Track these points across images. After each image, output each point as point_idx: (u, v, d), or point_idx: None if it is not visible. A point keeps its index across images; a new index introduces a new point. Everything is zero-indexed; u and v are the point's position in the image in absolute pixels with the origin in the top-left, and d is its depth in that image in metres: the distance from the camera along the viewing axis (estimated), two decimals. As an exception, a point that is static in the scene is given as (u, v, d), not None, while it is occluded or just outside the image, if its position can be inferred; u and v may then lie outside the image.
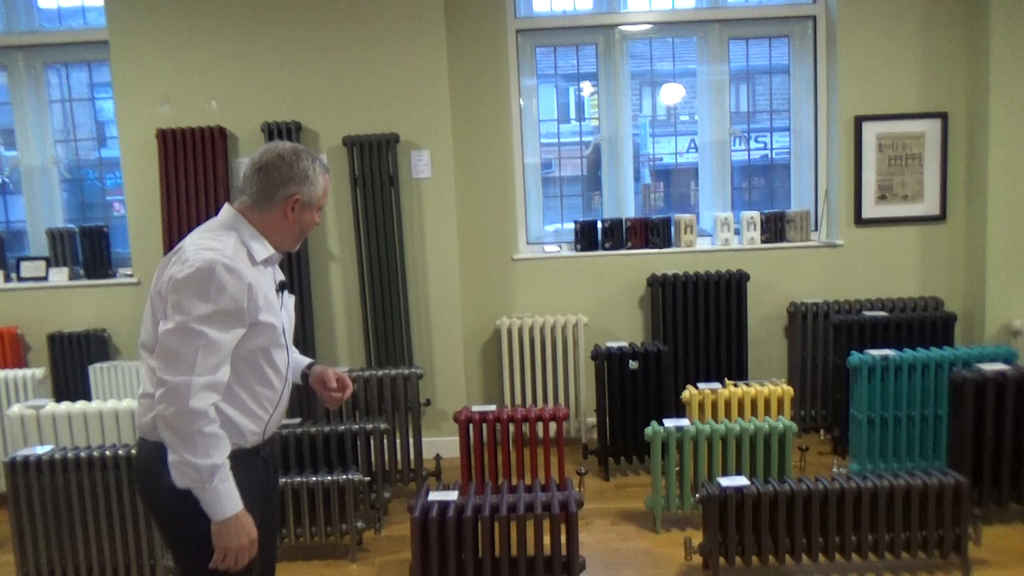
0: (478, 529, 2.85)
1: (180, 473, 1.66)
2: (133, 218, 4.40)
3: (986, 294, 4.43)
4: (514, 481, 3.69)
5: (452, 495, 2.94)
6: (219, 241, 1.76)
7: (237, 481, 1.73)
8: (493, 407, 3.65)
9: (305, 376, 2.10)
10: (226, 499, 1.69)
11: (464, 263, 4.56)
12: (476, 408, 3.66)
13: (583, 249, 4.70)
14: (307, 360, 2.13)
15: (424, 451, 4.30)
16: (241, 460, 1.79)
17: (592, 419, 4.60)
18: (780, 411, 3.73)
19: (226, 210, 1.86)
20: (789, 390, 3.74)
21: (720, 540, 2.93)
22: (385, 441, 3.82)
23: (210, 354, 1.68)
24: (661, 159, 5.23)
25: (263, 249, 1.84)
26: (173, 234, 4.25)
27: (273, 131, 4.16)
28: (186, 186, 4.26)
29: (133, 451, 3.01)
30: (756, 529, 2.93)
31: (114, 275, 4.61)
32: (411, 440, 3.95)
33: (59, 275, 4.55)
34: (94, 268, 4.56)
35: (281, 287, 1.91)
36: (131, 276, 4.51)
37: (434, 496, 2.95)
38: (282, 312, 1.89)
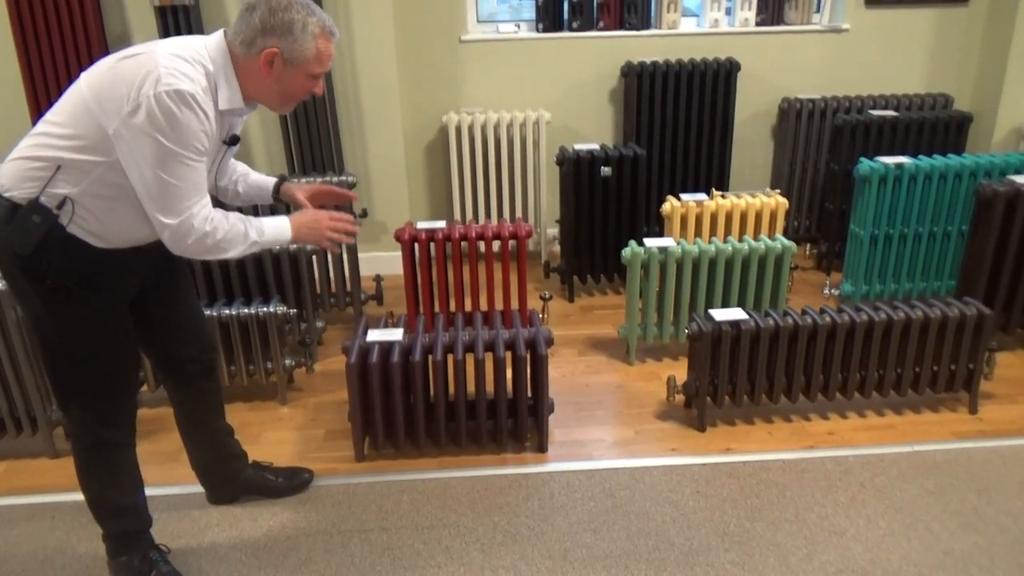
0: (429, 376, 2.38)
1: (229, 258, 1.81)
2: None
3: (1002, 92, 3.89)
4: (468, 309, 3.20)
5: (395, 334, 2.44)
6: (195, 69, 1.63)
7: (106, 278, 1.75)
8: (442, 224, 3.06)
9: (279, 199, 2.08)
10: (277, 235, 1.84)
11: (401, 46, 3.74)
12: (422, 225, 3.07)
13: (545, 30, 3.90)
14: (272, 180, 2.08)
15: (364, 268, 3.76)
16: (111, 256, 1.73)
17: (554, 231, 4.08)
18: (772, 227, 3.26)
19: (217, 38, 1.71)
20: (783, 202, 3.24)
21: (709, 380, 2.55)
22: (315, 262, 3.24)
23: (189, 182, 1.64)
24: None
25: (229, 98, 1.71)
26: (21, 3, 3.28)
27: None
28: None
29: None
30: (752, 367, 2.54)
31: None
32: (345, 259, 3.37)
33: None
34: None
35: (231, 141, 1.83)
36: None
37: (374, 335, 2.44)
38: (214, 167, 1.85)
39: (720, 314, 2.52)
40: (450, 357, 2.41)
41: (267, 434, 2.66)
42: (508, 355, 2.39)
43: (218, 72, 1.69)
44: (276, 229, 1.83)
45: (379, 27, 3.54)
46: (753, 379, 2.56)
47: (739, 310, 2.54)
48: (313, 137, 3.63)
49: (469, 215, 3.97)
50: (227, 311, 2.70)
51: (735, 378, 2.55)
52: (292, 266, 3.00)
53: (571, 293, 3.65)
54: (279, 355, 2.78)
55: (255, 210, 3.27)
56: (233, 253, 1.76)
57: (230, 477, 2.28)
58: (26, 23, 3.33)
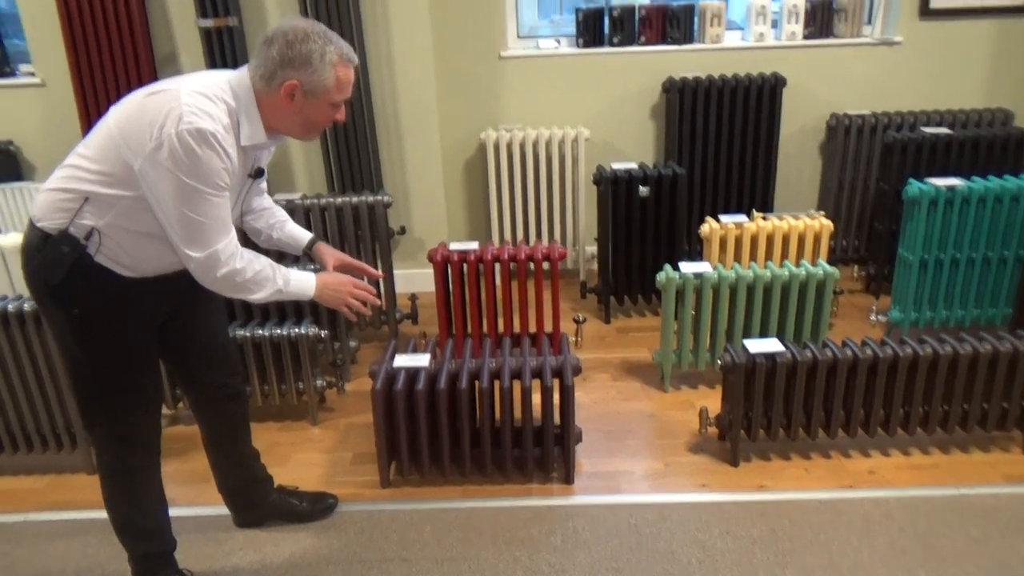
0: (456, 402, 2.36)
1: (251, 300, 1.81)
2: (24, 2, 3.50)
3: (1068, 106, 3.70)
4: (501, 330, 3.17)
5: (422, 359, 2.42)
6: (216, 107, 1.64)
7: (132, 306, 1.78)
8: (475, 245, 3.05)
9: (309, 256, 2.14)
10: (301, 289, 1.86)
11: (440, 63, 3.74)
12: (455, 246, 3.05)
13: (586, 45, 3.86)
14: (307, 235, 2.13)
15: (401, 285, 3.77)
16: (137, 285, 1.76)
17: (593, 249, 4.02)
18: (816, 250, 3.15)
19: (241, 73, 1.73)
20: (828, 225, 3.13)
21: (743, 412, 2.47)
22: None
23: (212, 218, 1.65)
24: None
25: (252, 134, 1.72)
26: (74, 20, 3.39)
27: None
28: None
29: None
30: (788, 401, 2.45)
31: (13, 73, 3.79)
32: (381, 278, 3.38)
33: (-54, 74, 3.72)
34: (-12, 65, 3.73)
35: (256, 174, 1.87)
36: (34, 76, 3.69)
37: (401, 360, 2.43)
38: (239, 200, 1.87)
39: (755, 345, 2.43)
40: (476, 384, 2.39)
41: (296, 456, 2.68)
42: (535, 382, 2.35)
43: (240, 108, 1.71)
44: (301, 283, 1.86)
45: (418, 44, 3.54)
46: (789, 413, 2.47)
47: (775, 341, 2.45)
48: (352, 154, 3.66)
49: (507, 232, 3.94)
50: (260, 331, 2.73)
51: (770, 412, 2.46)
52: (326, 286, 3.02)
53: (607, 314, 3.59)
54: (310, 376, 2.80)
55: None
56: (259, 295, 1.79)
57: (256, 501, 2.30)
58: (79, 45, 3.43)
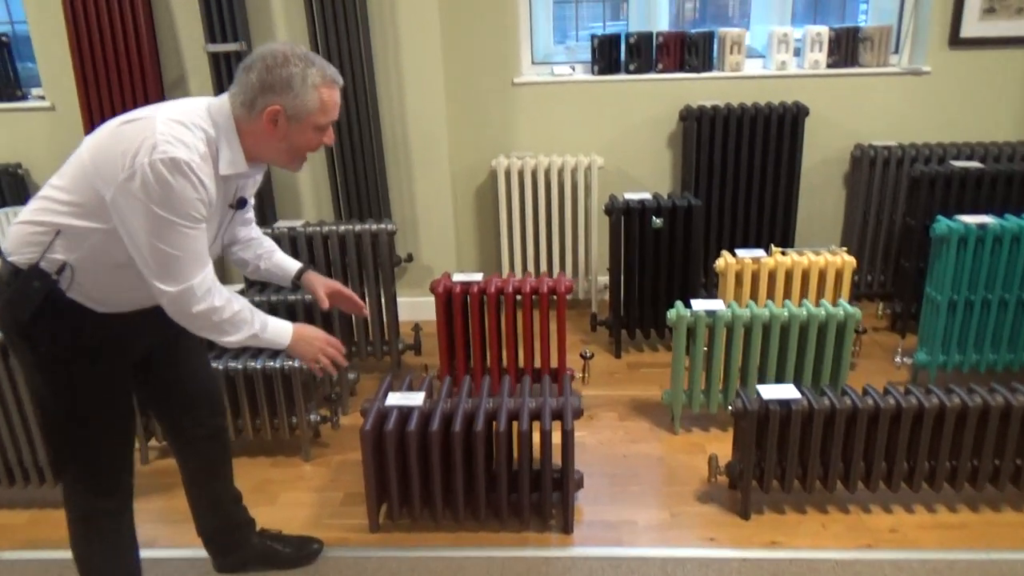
0: (450, 445, 2.24)
1: (224, 343, 1.69)
2: (35, 26, 3.50)
3: (1108, 139, 3.51)
4: (505, 364, 3.05)
5: (416, 398, 2.31)
6: (193, 135, 1.56)
7: (106, 344, 1.69)
8: (479, 277, 2.94)
9: (297, 286, 2.06)
10: (277, 337, 1.76)
11: (452, 88, 3.66)
12: (458, 277, 2.95)
13: (601, 72, 3.76)
14: (296, 265, 2.05)
15: (407, 313, 3.68)
16: (111, 321, 1.68)
17: (606, 279, 3.90)
18: (837, 288, 3.00)
19: (221, 100, 1.65)
20: (851, 262, 2.98)
21: (756, 462, 2.31)
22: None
23: (186, 251, 1.57)
24: (706, -46, 4.13)
25: (232, 163, 1.64)
26: (83, 44, 3.37)
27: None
28: (93, -18, 3.31)
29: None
30: (804, 451, 2.29)
31: (25, 97, 3.78)
32: (383, 307, 3.29)
33: (-42, 96, 3.72)
34: (-1, 88, 3.73)
35: (238, 204, 1.77)
36: (44, 100, 3.67)
37: (394, 399, 2.32)
38: (220, 232, 1.77)
39: (768, 391, 2.29)
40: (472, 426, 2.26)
41: (285, 494, 2.57)
42: (534, 424, 2.23)
43: (220, 135, 1.63)
44: (278, 331, 1.76)
45: (429, 68, 3.47)
46: (805, 463, 2.31)
47: (790, 387, 2.30)
48: (360, 180, 3.58)
49: (518, 260, 3.83)
50: (252, 364, 2.64)
51: (784, 461, 2.31)
52: (324, 316, 2.93)
53: (618, 348, 3.46)
54: (303, 411, 2.70)
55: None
56: (233, 338, 1.68)
57: (235, 546, 2.18)
58: (87, 69, 3.41)
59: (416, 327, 3.38)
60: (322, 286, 2.02)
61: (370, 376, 3.37)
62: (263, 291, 2.93)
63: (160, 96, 3.49)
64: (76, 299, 1.63)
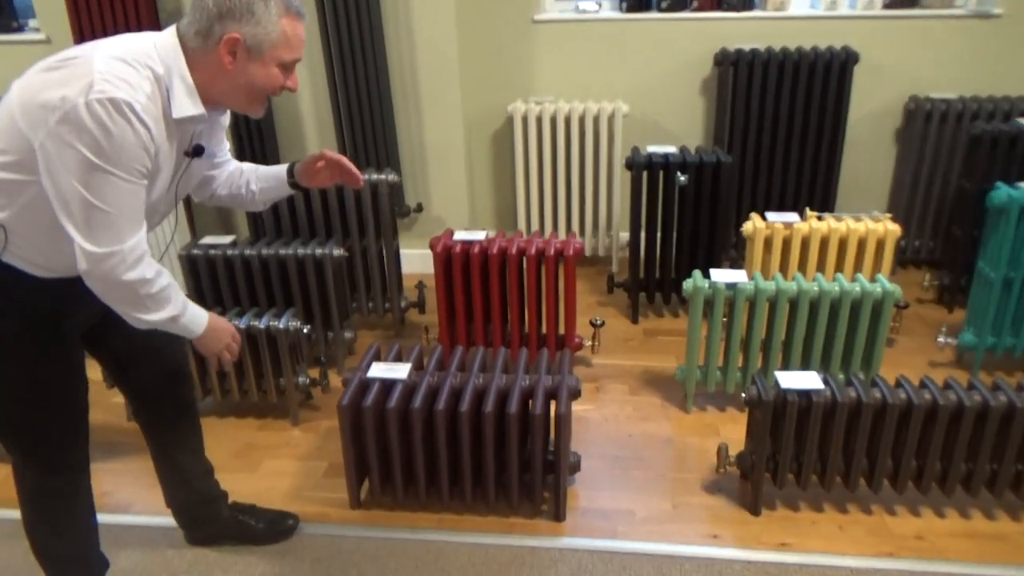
0: (433, 423, 2.06)
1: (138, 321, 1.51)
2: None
3: None
4: (511, 331, 2.85)
5: (401, 370, 2.14)
6: (138, 74, 1.38)
7: (50, 312, 1.54)
8: (481, 235, 2.72)
9: (295, 184, 1.86)
10: (192, 324, 1.60)
11: (466, 24, 3.37)
12: (460, 235, 2.74)
13: (630, 9, 3.43)
14: (283, 168, 1.85)
15: (416, 265, 3.50)
16: (55, 287, 1.52)
17: (628, 235, 3.65)
18: (878, 260, 2.71)
19: (168, 35, 1.46)
20: (895, 230, 2.68)
21: (770, 454, 2.10)
22: (358, 266, 2.99)
23: (120, 208, 1.39)
24: None
25: (187, 105, 1.46)
26: (73, -27, 3.16)
27: None
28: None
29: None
30: (825, 445, 2.07)
31: (21, 28, 3.60)
32: (389, 262, 3.10)
33: (-47, 26, 3.56)
34: (-7, 18, 3.55)
35: (194, 152, 1.57)
36: (39, 32, 3.49)
37: (377, 370, 2.15)
38: (173, 182, 1.57)
39: (787, 378, 2.05)
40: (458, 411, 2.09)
41: (268, 462, 2.44)
42: (528, 405, 2.04)
43: (171, 75, 1.44)
44: (195, 317, 1.61)
45: (440, 2, 3.18)
46: (825, 458, 2.09)
47: (812, 375, 2.06)
48: (366, 124, 3.36)
49: (534, 212, 3.60)
50: (236, 323, 2.48)
51: (802, 456, 2.09)
52: (317, 272, 2.75)
53: (635, 313, 3.23)
54: (290, 373, 2.55)
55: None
56: (152, 316, 1.51)
57: (205, 520, 2.07)
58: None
59: (420, 284, 3.20)
60: (313, 161, 1.81)
61: (371, 333, 3.22)
62: (271, 245, 2.76)
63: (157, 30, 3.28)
64: (13, 263, 1.47)
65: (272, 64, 1.48)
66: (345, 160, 1.80)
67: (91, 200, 1.35)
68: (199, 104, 1.48)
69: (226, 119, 1.73)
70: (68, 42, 3.34)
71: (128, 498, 2.30)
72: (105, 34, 3.26)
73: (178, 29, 1.46)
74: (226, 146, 1.81)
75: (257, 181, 1.85)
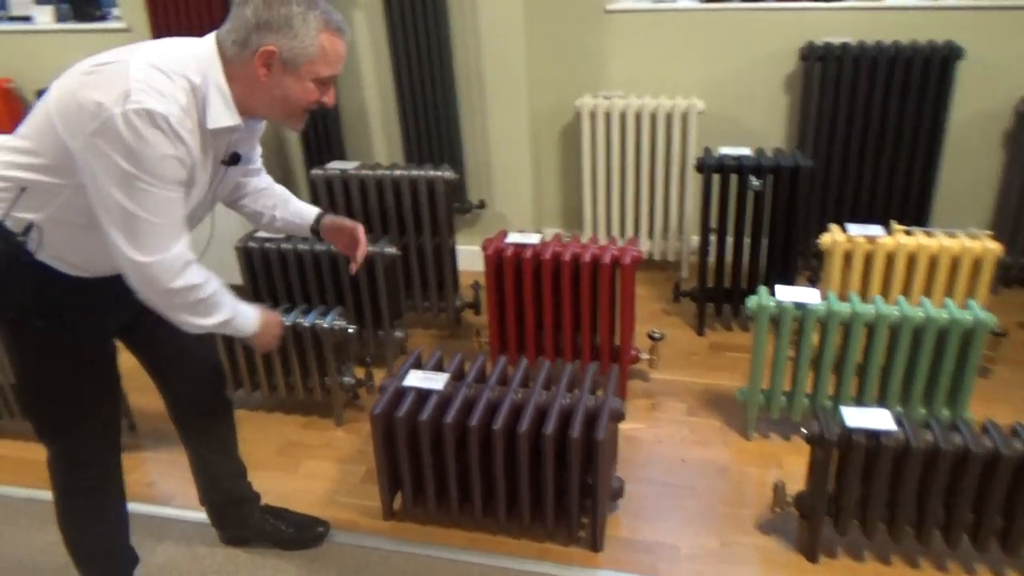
0: (466, 440, 1.97)
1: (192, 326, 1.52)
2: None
3: None
4: (564, 337, 2.73)
5: (438, 380, 2.06)
6: (173, 84, 1.36)
7: (82, 310, 1.54)
8: (536, 238, 2.60)
9: (316, 231, 1.88)
10: (245, 324, 1.61)
11: (534, 14, 3.24)
12: (512, 238, 2.62)
13: None
14: (315, 211, 1.87)
15: (475, 263, 3.41)
16: (88, 285, 1.52)
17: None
18: (973, 283, 2.44)
19: (207, 44, 1.43)
20: (995, 249, 2.41)
21: (832, 497, 1.91)
22: (413, 266, 2.94)
23: (160, 215, 1.38)
24: None
25: (221, 116, 1.44)
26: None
27: None
28: None
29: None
30: (895, 491, 1.87)
31: (104, 17, 3.70)
32: (444, 261, 3.03)
33: (43, 15, 3.69)
34: (79, 7, 3.65)
35: (231, 160, 1.56)
36: (120, 21, 3.58)
37: (413, 379, 2.08)
38: (210, 189, 1.57)
39: (856, 415, 1.85)
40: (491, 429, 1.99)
41: (308, 463, 2.41)
42: (567, 428, 1.92)
43: (207, 84, 1.43)
44: (246, 318, 1.62)
45: (509, -7, 3.07)
46: (895, 505, 1.88)
47: (885, 413, 1.85)
48: (431, 117, 3.29)
49: (601, 214, 3.45)
50: (283, 320, 2.46)
51: (868, 501, 1.89)
52: (368, 270, 2.70)
53: (701, 324, 3.05)
54: (335, 372, 2.51)
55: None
56: (206, 321, 1.52)
57: (235, 521, 2.06)
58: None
59: (475, 284, 3.11)
60: (346, 230, 1.86)
61: (426, 332, 3.16)
62: (290, 239, 2.74)
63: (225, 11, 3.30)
64: (48, 262, 1.48)
65: (308, 79, 1.45)
66: (363, 248, 1.86)
67: (131, 209, 1.36)
68: (235, 114, 1.47)
69: (261, 127, 1.70)
70: (146, 33, 3.40)
71: (171, 490, 2.32)
72: (179, 26, 3.30)
73: (217, 37, 1.44)
74: (259, 151, 1.78)
75: (283, 212, 1.86)
